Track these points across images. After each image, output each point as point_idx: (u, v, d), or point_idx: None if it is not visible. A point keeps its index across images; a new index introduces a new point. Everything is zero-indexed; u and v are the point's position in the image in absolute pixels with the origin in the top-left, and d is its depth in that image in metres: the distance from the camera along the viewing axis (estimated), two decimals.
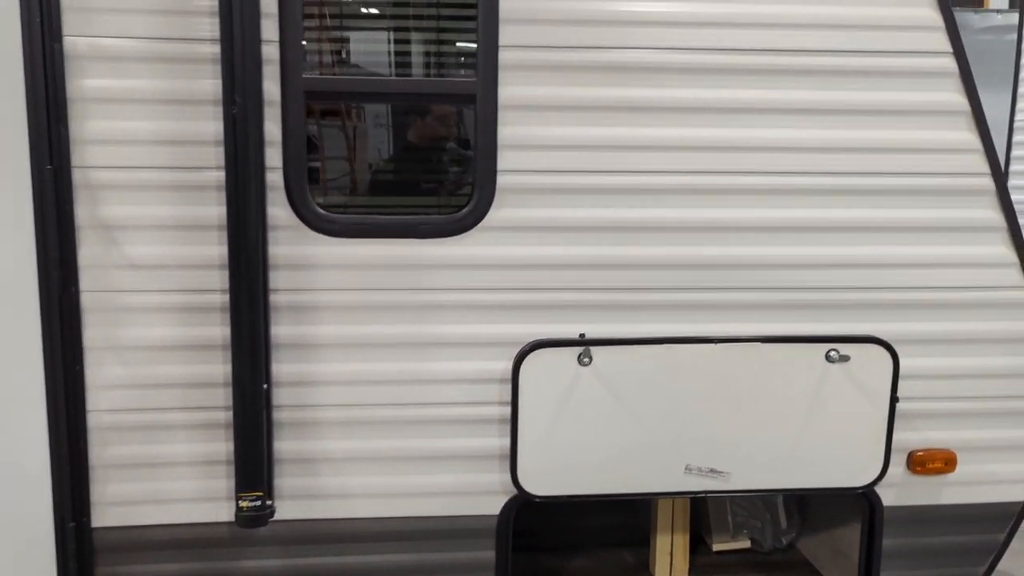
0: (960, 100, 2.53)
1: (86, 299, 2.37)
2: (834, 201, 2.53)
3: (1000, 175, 2.57)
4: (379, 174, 2.70)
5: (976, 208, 2.58)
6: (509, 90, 2.42)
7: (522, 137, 2.45)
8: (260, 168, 2.31)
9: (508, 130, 2.44)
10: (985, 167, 2.56)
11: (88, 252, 2.35)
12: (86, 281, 2.36)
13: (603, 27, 2.41)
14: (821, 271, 2.55)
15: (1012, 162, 5.48)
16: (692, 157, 2.48)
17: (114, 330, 2.40)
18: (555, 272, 2.50)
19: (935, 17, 2.49)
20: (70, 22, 2.26)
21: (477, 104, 2.41)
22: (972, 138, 2.55)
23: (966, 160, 2.56)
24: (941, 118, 2.53)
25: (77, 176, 2.32)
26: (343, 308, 2.48)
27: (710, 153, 2.48)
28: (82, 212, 2.34)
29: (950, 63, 2.51)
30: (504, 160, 2.45)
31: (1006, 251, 2.61)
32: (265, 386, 2.40)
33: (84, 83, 2.29)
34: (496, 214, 2.47)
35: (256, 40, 2.26)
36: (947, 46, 2.50)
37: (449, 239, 2.47)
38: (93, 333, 2.39)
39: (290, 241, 2.43)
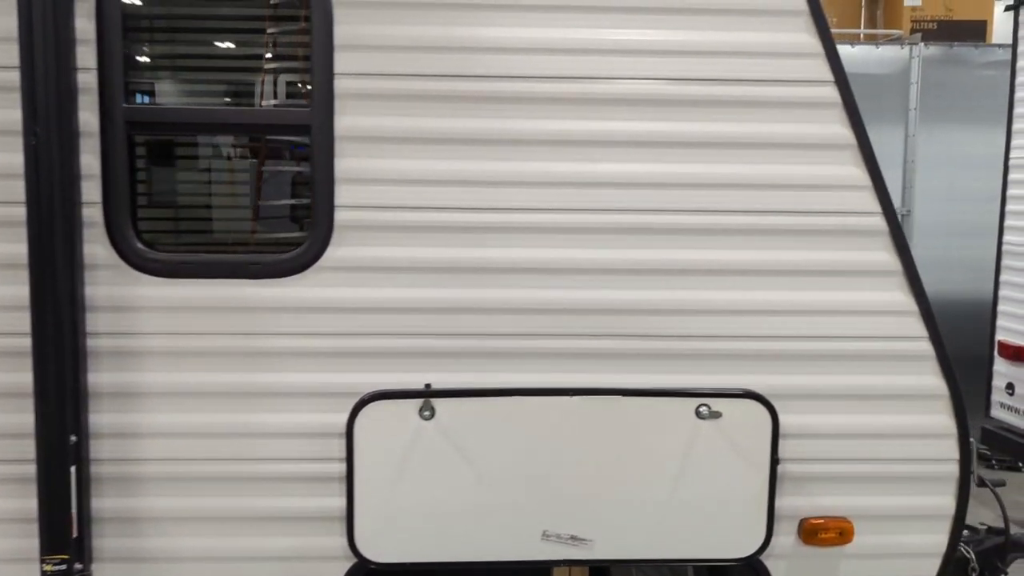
0: (844, 132, 2.31)
1: None
2: (704, 241, 2.31)
3: (893, 214, 2.34)
4: (209, 209, 2.54)
5: (866, 250, 2.35)
6: (346, 120, 2.25)
7: (361, 171, 2.27)
8: (69, 203, 2.15)
9: (346, 163, 2.26)
10: (875, 205, 2.33)
11: None
12: None
13: (446, 54, 2.24)
14: (689, 317, 2.32)
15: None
16: (546, 193, 2.29)
17: None
18: (397, 316, 2.30)
19: (813, 43, 2.29)
20: None
21: (312, 135, 2.24)
22: (859, 173, 2.33)
23: (853, 197, 2.33)
24: (822, 151, 2.32)
25: None
26: (169, 354, 2.29)
27: (566, 189, 2.29)
28: None
29: (831, 92, 2.30)
30: (342, 195, 2.27)
31: (903, 297, 2.36)
32: (75, 438, 2.21)
33: None
34: (334, 253, 2.28)
35: (64, 68, 2.12)
36: (827, 74, 2.30)
37: (283, 280, 2.29)
38: None
39: (111, 281, 2.26)
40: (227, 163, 2.52)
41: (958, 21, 6.97)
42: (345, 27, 2.22)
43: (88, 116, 2.20)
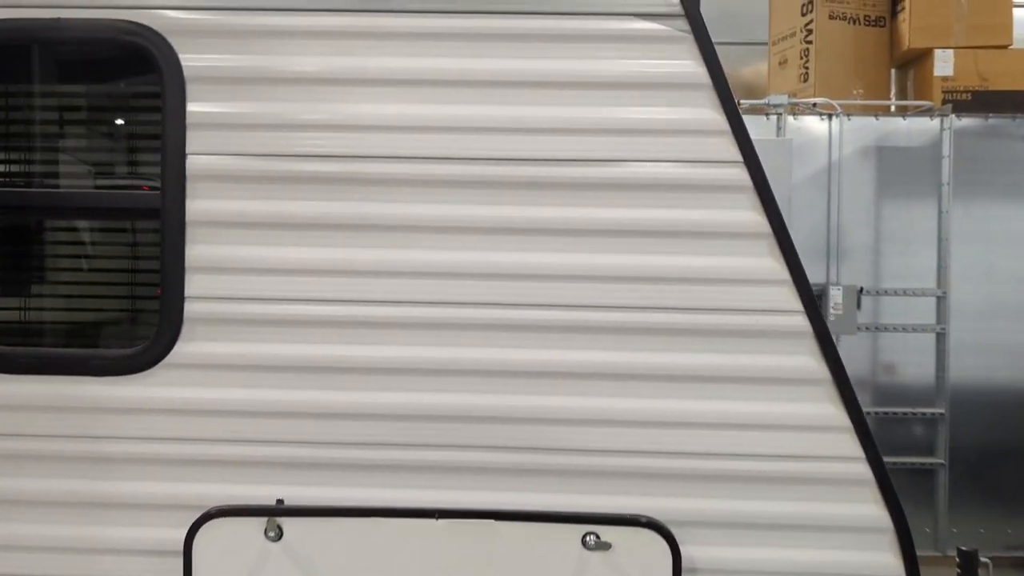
0: (756, 218, 2.02)
1: None
2: (591, 341, 2.02)
3: (817, 313, 2.01)
4: (51, 299, 2.37)
5: (786, 353, 2.02)
6: (198, 204, 2.06)
7: (213, 259, 2.07)
8: None
9: (197, 250, 2.06)
10: (795, 303, 2.02)
11: None
12: None
13: (304, 132, 2.05)
14: (575, 428, 2.02)
15: None
16: (410, 284, 2.04)
17: None
18: (248, 420, 2.06)
19: (718, 119, 2.02)
20: None
21: (162, 219, 2.06)
22: (775, 266, 2.02)
23: (767, 292, 2.02)
24: (729, 240, 2.02)
25: None
26: (5, 457, 2.09)
27: (431, 279, 2.04)
28: None
29: (740, 173, 2.02)
30: (192, 285, 2.07)
31: (832, 410, 2.02)
32: None
33: None
34: (183, 349, 2.07)
35: None
36: (735, 154, 2.02)
37: (127, 378, 2.08)
38: None
39: None
40: (74, 248, 2.36)
41: (994, 91, 6.57)
42: (199, 104, 2.05)
43: None
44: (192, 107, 2.05)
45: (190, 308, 2.07)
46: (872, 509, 2.01)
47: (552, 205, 2.01)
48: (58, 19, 2.04)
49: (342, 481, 2.04)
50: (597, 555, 1.98)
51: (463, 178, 2.02)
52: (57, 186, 2.24)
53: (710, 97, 2.02)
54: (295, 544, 2.01)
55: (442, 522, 2.00)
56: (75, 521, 2.08)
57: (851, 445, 2.00)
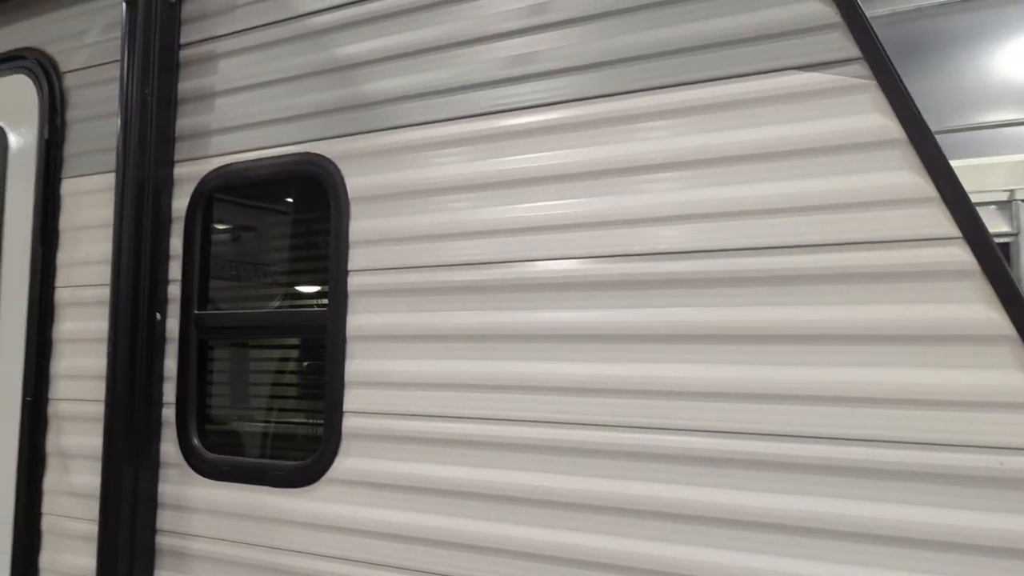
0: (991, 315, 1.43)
1: None
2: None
3: None
4: (250, 411, 2.49)
5: None
6: (356, 319, 2.08)
7: (367, 372, 2.06)
8: (150, 404, 2.32)
9: (355, 364, 2.07)
10: None
11: None
12: None
13: (452, 241, 1.96)
14: None
15: None
16: (594, 403, 1.77)
17: None
18: (391, 544, 1.96)
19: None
20: None
21: (328, 335, 2.12)
22: None
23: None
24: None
25: None
26: (209, 559, 2.26)
27: (619, 399, 1.76)
28: None
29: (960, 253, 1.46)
30: (349, 400, 2.07)
31: None
32: None
33: None
34: (341, 464, 2.07)
35: (155, 280, 2.34)
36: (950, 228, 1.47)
37: (298, 490, 2.13)
38: None
39: (175, 480, 2.34)
40: (267, 364, 2.51)
41: None
42: (358, 222, 2.10)
43: (172, 322, 2.39)
44: (353, 225, 2.11)
45: (348, 423, 2.07)
46: None
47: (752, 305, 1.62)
48: (258, 159, 2.28)
49: None
50: None
51: (634, 278, 1.75)
52: (254, 308, 2.45)
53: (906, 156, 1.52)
54: None
55: None
56: None
57: None
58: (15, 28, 2.87)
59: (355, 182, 2.13)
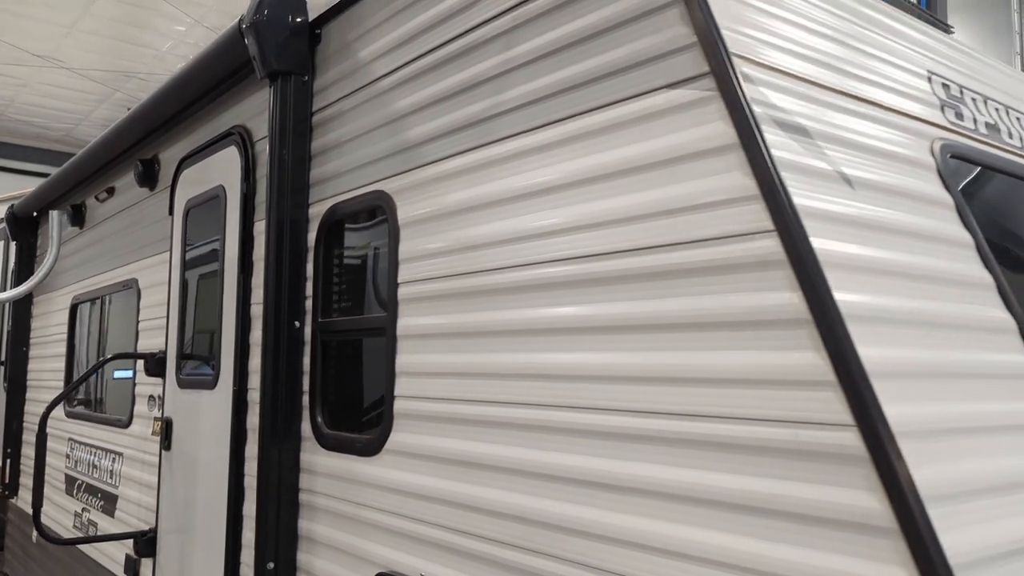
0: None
1: None
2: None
3: None
4: (351, 393, 3.03)
5: None
6: (403, 321, 2.59)
7: (410, 364, 2.55)
8: (294, 392, 3.04)
9: (402, 359, 2.58)
10: None
11: None
12: None
13: (480, 250, 2.32)
14: None
15: None
16: (609, 389, 1.89)
17: None
18: (435, 506, 2.40)
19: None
20: None
21: (386, 336, 2.66)
22: None
23: None
24: None
25: None
26: (328, 512, 2.89)
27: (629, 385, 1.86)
28: None
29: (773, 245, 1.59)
30: (399, 386, 2.58)
31: None
32: (272, 565, 2.98)
33: None
34: (395, 438, 2.58)
35: (296, 296, 3.06)
36: (767, 223, 1.61)
37: (371, 458, 2.68)
38: None
39: (309, 450, 3.02)
40: (364, 358, 3.04)
41: None
42: (405, 243, 2.61)
43: (307, 330, 3.09)
44: (402, 246, 2.62)
45: (397, 406, 2.58)
46: None
47: None
48: (351, 199, 2.89)
49: None
50: None
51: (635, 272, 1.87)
52: (356, 314, 3.04)
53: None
54: None
55: None
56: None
57: None
58: (232, 110, 3.80)
59: (403, 211, 2.64)
